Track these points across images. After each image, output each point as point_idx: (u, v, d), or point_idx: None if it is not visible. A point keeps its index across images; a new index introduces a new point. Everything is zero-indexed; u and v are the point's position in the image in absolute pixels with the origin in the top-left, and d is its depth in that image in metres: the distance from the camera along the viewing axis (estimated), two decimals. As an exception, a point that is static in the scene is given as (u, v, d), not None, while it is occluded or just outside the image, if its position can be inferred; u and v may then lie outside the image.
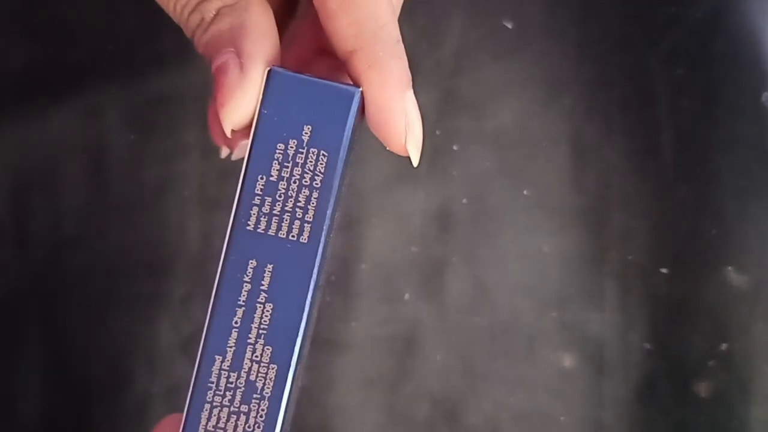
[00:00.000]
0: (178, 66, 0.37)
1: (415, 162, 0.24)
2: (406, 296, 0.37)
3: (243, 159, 0.23)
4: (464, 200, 0.37)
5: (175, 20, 0.25)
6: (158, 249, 0.37)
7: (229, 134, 0.23)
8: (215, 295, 0.22)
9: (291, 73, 0.23)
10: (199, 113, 0.36)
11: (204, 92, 0.35)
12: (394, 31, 0.23)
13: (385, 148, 0.24)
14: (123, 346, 0.37)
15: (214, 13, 0.24)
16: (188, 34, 0.25)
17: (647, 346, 0.36)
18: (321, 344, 0.36)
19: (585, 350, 0.36)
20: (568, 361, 0.36)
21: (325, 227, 0.22)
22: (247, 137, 0.23)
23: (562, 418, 0.36)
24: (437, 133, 0.37)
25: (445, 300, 0.37)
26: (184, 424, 0.22)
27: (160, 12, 0.25)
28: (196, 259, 0.37)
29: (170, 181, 0.37)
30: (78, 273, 0.37)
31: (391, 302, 0.37)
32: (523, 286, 0.37)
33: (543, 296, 0.36)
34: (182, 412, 0.23)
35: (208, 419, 0.22)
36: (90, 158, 0.37)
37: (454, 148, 0.37)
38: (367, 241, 0.37)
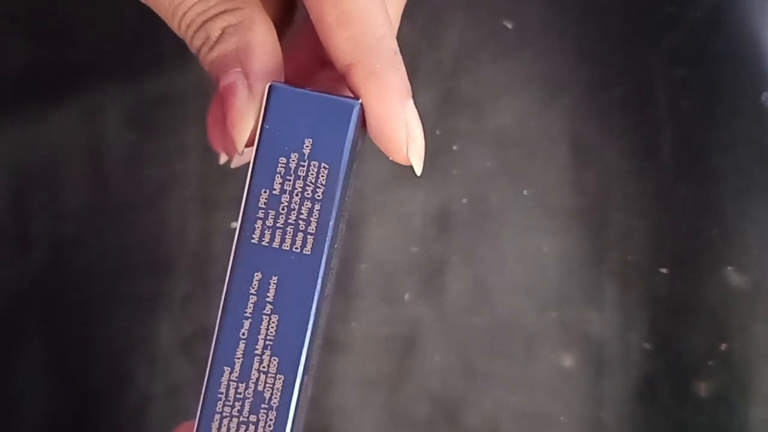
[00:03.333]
0: (178, 66, 0.37)
1: (418, 171, 0.24)
2: (406, 296, 0.37)
3: (244, 166, 0.23)
4: (464, 200, 0.37)
5: (180, 36, 0.25)
6: (158, 249, 0.37)
7: (241, 152, 0.23)
8: (223, 307, 0.23)
9: (291, 88, 0.23)
10: (199, 113, 0.36)
11: (204, 92, 0.35)
12: (392, 44, 0.23)
13: (388, 157, 0.24)
14: (123, 346, 0.37)
15: (219, 32, 0.24)
16: (193, 51, 0.25)
17: (647, 346, 0.36)
18: (321, 344, 0.36)
19: (585, 350, 0.36)
20: (568, 361, 0.36)
21: (327, 238, 0.23)
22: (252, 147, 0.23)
23: (562, 418, 0.36)
24: (437, 133, 0.37)
25: (445, 300, 0.37)
26: None
27: (160, 13, 0.25)
28: (196, 259, 0.37)
29: (170, 181, 0.37)
30: (78, 273, 0.37)
31: (391, 302, 0.37)
32: (523, 286, 0.37)
33: (543, 296, 0.36)
34: (185, 412, 0.23)
35: (219, 429, 0.23)
36: (90, 158, 0.37)
37: (454, 148, 0.37)
38: (367, 241, 0.37)
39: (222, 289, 0.23)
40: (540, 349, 0.36)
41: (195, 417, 0.23)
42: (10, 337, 0.37)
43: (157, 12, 0.25)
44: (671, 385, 0.36)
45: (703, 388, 0.36)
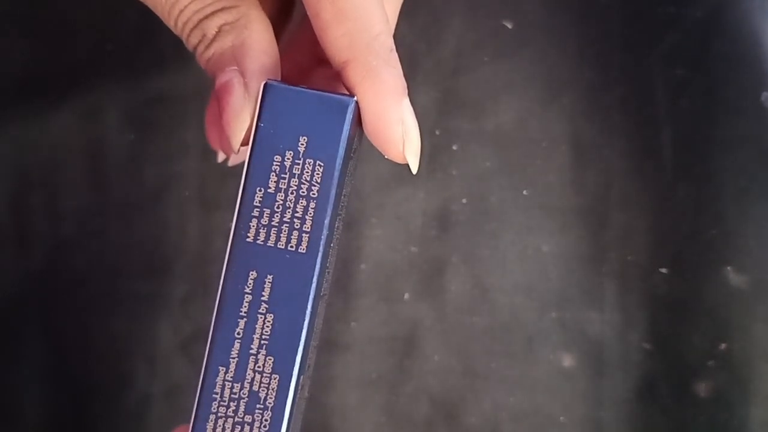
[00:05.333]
0: (178, 66, 0.37)
1: (414, 169, 0.24)
2: (406, 296, 0.37)
3: (241, 165, 0.23)
4: (464, 200, 0.37)
5: (176, 34, 0.25)
6: (158, 249, 0.37)
7: (236, 150, 0.23)
8: (218, 306, 0.23)
9: (286, 86, 0.23)
10: (199, 113, 0.36)
11: (203, 92, 0.35)
12: (388, 41, 0.23)
13: (384, 155, 0.24)
14: (123, 346, 0.37)
15: (215, 30, 0.24)
16: (189, 48, 0.25)
17: (647, 346, 0.36)
18: (321, 344, 0.36)
19: (585, 350, 0.36)
20: (567, 361, 0.36)
21: (323, 237, 0.23)
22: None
23: (561, 418, 0.36)
24: (437, 133, 0.37)
25: (444, 300, 0.37)
26: None
27: (160, 13, 0.25)
28: (196, 259, 0.37)
29: (170, 181, 0.37)
30: (78, 273, 0.37)
31: (390, 302, 0.37)
32: (523, 286, 0.37)
33: (543, 296, 0.36)
34: (185, 412, 0.23)
35: (214, 429, 0.23)
36: (90, 158, 0.37)
37: (454, 148, 0.37)
38: (367, 241, 0.37)
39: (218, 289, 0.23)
40: (540, 349, 0.36)
41: (190, 417, 0.23)
42: (10, 337, 0.37)
43: (154, 10, 0.25)
44: (671, 385, 0.36)
45: (703, 388, 0.36)
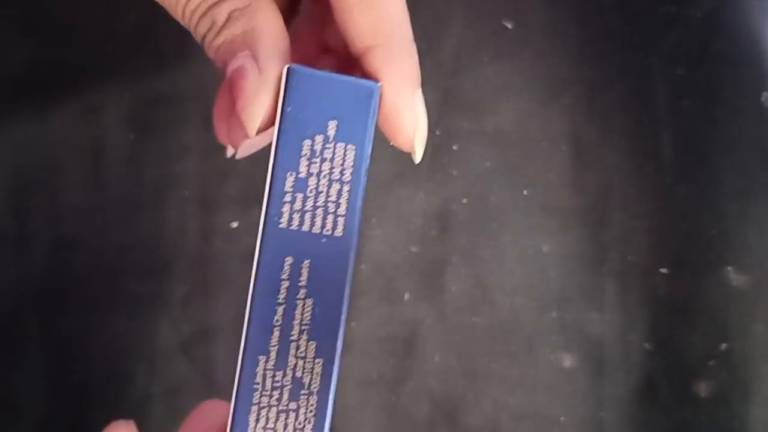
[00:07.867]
0: (178, 66, 0.37)
1: (418, 158, 0.24)
2: (406, 296, 0.37)
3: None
4: (464, 200, 0.37)
5: (183, 24, 0.25)
6: (158, 249, 0.37)
7: (253, 136, 0.23)
8: (252, 296, 0.22)
9: (311, 70, 0.23)
10: (199, 113, 0.36)
11: (204, 92, 0.35)
12: (408, 31, 0.24)
13: (389, 143, 0.24)
14: (123, 347, 0.37)
15: (225, 17, 0.24)
16: (197, 38, 0.25)
17: (647, 346, 0.36)
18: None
19: (585, 350, 0.36)
20: (568, 361, 0.36)
21: (357, 219, 0.23)
22: (262, 135, 0.23)
23: (562, 418, 0.36)
24: (437, 132, 0.37)
25: (445, 300, 0.37)
26: (231, 428, 0.22)
27: (160, 12, 0.25)
28: (196, 259, 0.37)
29: (170, 181, 0.37)
30: (78, 273, 0.37)
31: (391, 302, 0.37)
32: (523, 286, 0.37)
33: (543, 296, 0.36)
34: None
35: (257, 421, 0.22)
36: (90, 158, 0.37)
37: (454, 148, 0.37)
38: (367, 241, 0.37)
39: (249, 279, 0.22)
40: (540, 349, 0.36)
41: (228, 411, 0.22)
42: (10, 337, 0.37)
43: (160, 1, 0.25)
44: (671, 385, 0.36)
45: (703, 388, 0.36)
